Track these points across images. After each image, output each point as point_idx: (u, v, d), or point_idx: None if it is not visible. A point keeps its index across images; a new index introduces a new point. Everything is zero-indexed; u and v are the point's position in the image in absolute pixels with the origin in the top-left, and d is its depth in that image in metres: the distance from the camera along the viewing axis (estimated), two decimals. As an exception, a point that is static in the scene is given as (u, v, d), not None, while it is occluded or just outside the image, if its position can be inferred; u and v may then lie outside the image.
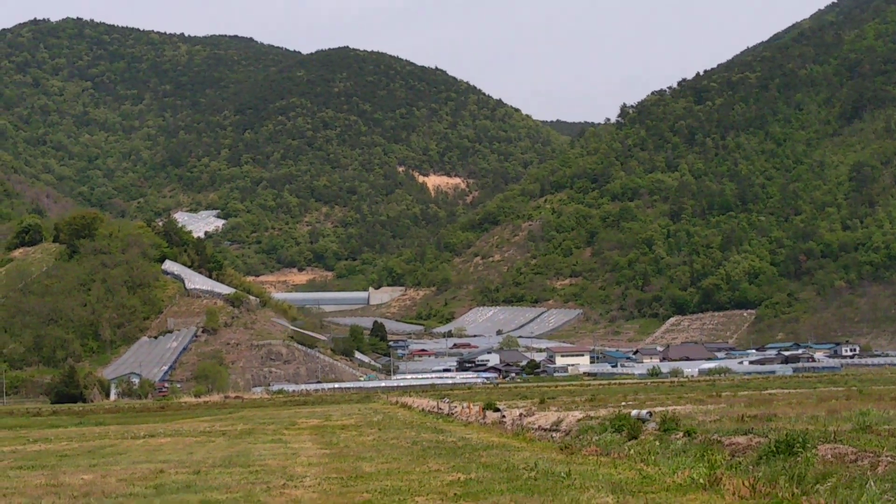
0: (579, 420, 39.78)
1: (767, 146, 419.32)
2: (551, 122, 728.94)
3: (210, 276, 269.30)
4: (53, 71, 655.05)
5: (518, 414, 49.47)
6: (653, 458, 27.45)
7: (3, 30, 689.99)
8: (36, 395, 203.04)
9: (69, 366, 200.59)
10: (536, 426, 43.45)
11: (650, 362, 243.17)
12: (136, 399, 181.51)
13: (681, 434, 30.36)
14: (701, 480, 22.36)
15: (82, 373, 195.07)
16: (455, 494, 23.02)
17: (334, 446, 42.65)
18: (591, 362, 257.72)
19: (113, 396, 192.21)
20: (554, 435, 39.36)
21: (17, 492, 27.90)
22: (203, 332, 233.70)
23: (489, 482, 25.01)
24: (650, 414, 35.76)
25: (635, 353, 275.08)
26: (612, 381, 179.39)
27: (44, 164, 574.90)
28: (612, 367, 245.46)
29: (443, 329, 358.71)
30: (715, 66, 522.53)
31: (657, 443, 29.90)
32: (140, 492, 26.76)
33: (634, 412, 36.50)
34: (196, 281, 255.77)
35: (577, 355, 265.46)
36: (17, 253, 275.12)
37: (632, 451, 29.57)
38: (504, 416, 51.27)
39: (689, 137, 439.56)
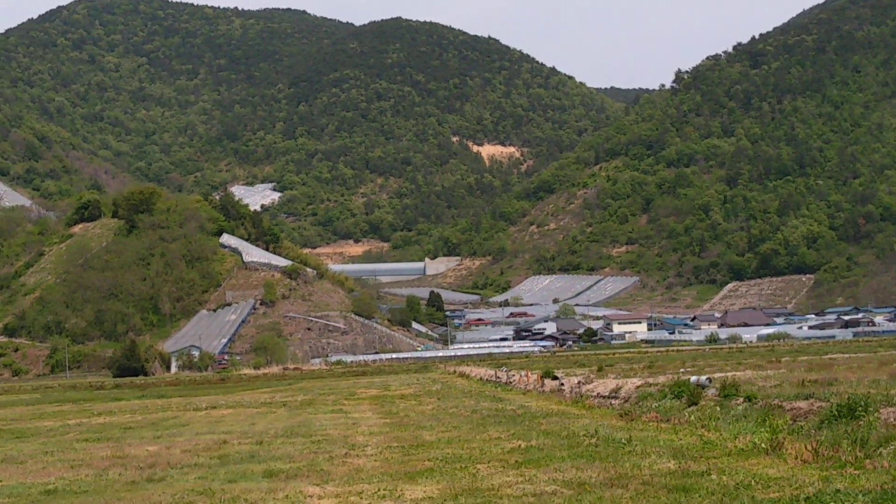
0: (638, 387, 39.69)
1: (825, 109, 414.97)
2: (605, 89, 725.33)
3: (267, 249, 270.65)
4: (109, 47, 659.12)
5: (576, 382, 49.40)
6: (713, 423, 27.37)
7: (59, 7, 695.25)
8: (98, 369, 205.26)
9: (130, 340, 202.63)
10: (595, 394, 43.40)
11: (708, 329, 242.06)
12: (197, 372, 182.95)
13: (741, 400, 30.24)
14: (763, 445, 22.29)
15: (143, 346, 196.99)
16: (516, 461, 23.10)
17: (394, 416, 42.84)
18: (649, 329, 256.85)
19: (173, 369, 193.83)
20: (613, 402, 39.31)
21: (85, 463, 28.29)
22: (261, 304, 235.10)
23: (550, 449, 25.07)
24: (709, 380, 35.60)
25: (693, 319, 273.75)
26: (670, 348, 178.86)
27: (101, 140, 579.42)
28: (670, 333, 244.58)
29: (499, 298, 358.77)
30: (771, 29, 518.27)
31: (717, 408, 29.81)
32: (205, 462, 27.05)
33: (693, 378, 36.35)
34: (253, 254, 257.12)
35: (634, 323, 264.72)
36: (76, 229, 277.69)
37: (692, 417, 29.48)
38: (562, 384, 51.23)
39: (745, 102, 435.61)
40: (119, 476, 24.78)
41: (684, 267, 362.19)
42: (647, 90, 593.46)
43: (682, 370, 58.34)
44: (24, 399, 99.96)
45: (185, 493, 20.66)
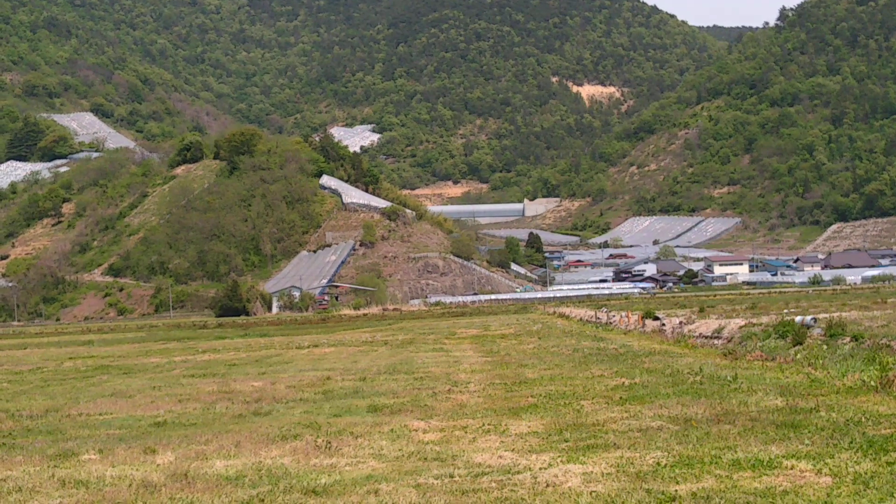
0: (741, 327, 39.31)
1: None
2: (708, 27, 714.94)
3: (366, 191, 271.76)
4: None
5: (678, 322, 49.10)
6: (820, 362, 27.03)
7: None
8: (200, 308, 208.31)
9: (232, 280, 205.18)
10: (697, 333, 43.10)
11: (811, 270, 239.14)
12: (298, 312, 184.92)
13: (847, 339, 29.84)
14: (872, 383, 21.98)
15: (245, 287, 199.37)
16: (620, 398, 23.03)
17: (495, 354, 42.94)
18: (750, 271, 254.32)
19: (275, 309, 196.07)
20: (716, 342, 39.01)
21: (192, 398, 28.75)
22: (360, 245, 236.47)
23: (654, 386, 24.95)
24: (815, 320, 35.15)
25: (796, 261, 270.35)
26: (772, 290, 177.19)
27: (203, 82, 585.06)
28: (772, 275, 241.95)
29: (598, 240, 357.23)
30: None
31: (824, 347, 29.44)
32: (309, 397, 27.35)
33: (798, 318, 35.91)
34: (353, 195, 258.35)
35: (735, 264, 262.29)
36: (179, 170, 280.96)
37: (798, 357, 29.15)
38: (663, 325, 50.94)
39: (852, 39, 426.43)
40: (226, 410, 25.15)
41: (787, 208, 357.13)
42: (750, 28, 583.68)
43: (785, 311, 57.74)
44: (129, 337, 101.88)
45: (291, 426, 20.90)
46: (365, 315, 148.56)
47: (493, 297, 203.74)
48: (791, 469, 14.14)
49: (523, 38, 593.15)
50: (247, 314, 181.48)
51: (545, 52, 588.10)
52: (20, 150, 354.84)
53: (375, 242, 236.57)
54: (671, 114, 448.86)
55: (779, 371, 26.64)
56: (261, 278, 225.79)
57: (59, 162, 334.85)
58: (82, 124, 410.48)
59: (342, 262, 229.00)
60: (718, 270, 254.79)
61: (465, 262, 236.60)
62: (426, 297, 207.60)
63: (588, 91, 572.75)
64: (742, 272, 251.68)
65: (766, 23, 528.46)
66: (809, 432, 16.96)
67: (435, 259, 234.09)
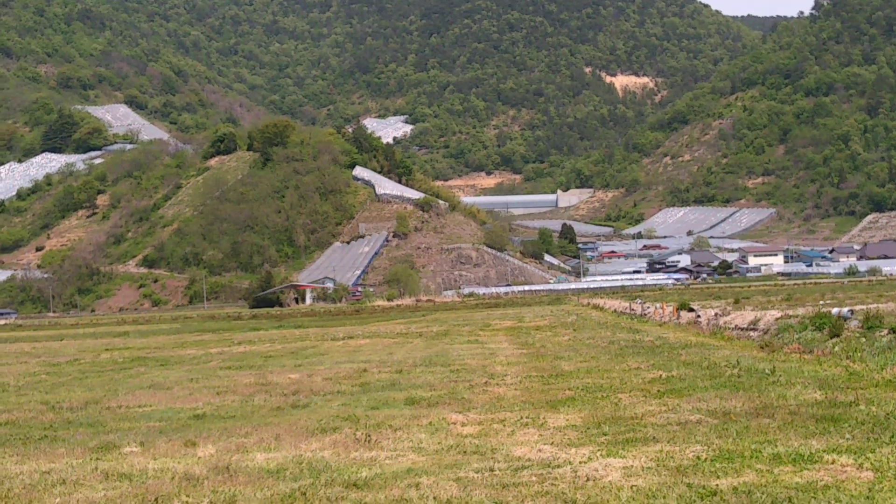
0: (777, 319, 39.12)
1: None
2: (742, 17, 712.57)
3: (399, 182, 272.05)
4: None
5: (713, 314, 48.94)
6: (858, 354, 26.91)
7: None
8: (234, 300, 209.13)
9: (266, 271, 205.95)
10: (733, 325, 42.94)
11: (847, 261, 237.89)
12: (331, 303, 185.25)
13: (886, 331, 29.65)
14: (911, 377, 21.90)
15: (278, 278, 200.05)
16: (658, 391, 23.00)
17: (531, 346, 42.93)
18: (785, 262, 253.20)
19: (308, 300, 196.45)
20: (752, 334, 38.86)
21: (230, 390, 28.89)
22: (394, 236, 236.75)
23: (692, 379, 24.90)
24: (851, 312, 34.97)
25: (831, 251, 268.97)
26: (807, 281, 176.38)
27: (236, 73, 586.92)
28: (807, 266, 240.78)
29: (632, 230, 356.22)
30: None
31: (862, 340, 29.30)
32: (346, 390, 27.43)
33: (835, 310, 35.75)
34: (386, 186, 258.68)
35: (770, 255, 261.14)
36: (213, 161, 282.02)
37: (835, 349, 29.03)
38: (699, 316, 50.79)
39: (888, 29, 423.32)
40: (264, 402, 25.26)
41: (822, 198, 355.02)
42: (784, 17, 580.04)
43: (821, 302, 57.47)
44: (164, 329, 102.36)
45: (330, 419, 20.99)
46: (398, 306, 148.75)
47: (526, 288, 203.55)
48: (832, 463, 14.12)
49: (556, 28, 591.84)
50: (280, 306, 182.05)
51: (578, 42, 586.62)
52: (55, 142, 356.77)
53: (408, 233, 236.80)
54: (705, 104, 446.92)
55: (817, 364, 26.55)
56: (294, 269, 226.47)
57: (93, 154, 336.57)
58: (116, 116, 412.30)
59: (375, 254, 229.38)
60: (753, 261, 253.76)
61: (499, 253, 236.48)
62: (459, 288, 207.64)
63: (621, 81, 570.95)
64: (777, 263, 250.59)
65: (801, 12, 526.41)
66: (850, 426, 16.91)
67: (468, 250, 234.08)
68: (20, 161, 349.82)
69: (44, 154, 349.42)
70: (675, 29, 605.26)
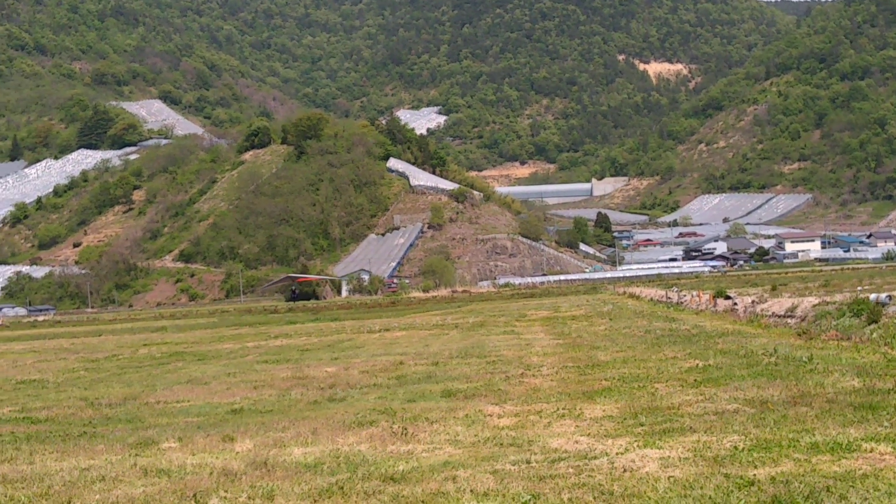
0: (815, 306, 38.88)
1: None
2: (776, 1, 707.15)
3: (433, 173, 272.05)
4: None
5: (750, 301, 48.72)
6: (897, 341, 26.78)
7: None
8: (271, 293, 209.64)
9: (301, 264, 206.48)
10: (770, 313, 42.73)
11: (884, 246, 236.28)
12: (367, 295, 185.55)
13: (924, 317, 29.52)
14: (950, 363, 21.77)
15: (314, 271, 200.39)
16: (695, 380, 22.93)
17: (566, 336, 42.87)
18: (822, 248, 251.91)
19: (344, 293, 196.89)
20: (789, 321, 38.66)
21: (267, 384, 28.99)
22: (429, 227, 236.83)
23: (728, 368, 24.82)
24: (890, 297, 34.72)
25: (869, 236, 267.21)
26: (845, 267, 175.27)
27: (269, 67, 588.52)
28: (845, 251, 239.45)
29: (668, 218, 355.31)
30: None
31: (901, 326, 29.11)
32: (383, 383, 27.48)
33: (873, 296, 35.49)
34: (420, 178, 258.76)
35: (807, 241, 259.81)
36: (247, 155, 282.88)
37: (873, 335, 28.84)
38: (735, 304, 50.58)
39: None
40: (301, 396, 25.35)
41: (859, 183, 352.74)
42: (819, 2, 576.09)
43: (859, 288, 57.14)
44: (201, 323, 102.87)
45: (367, 412, 21.04)
46: (434, 298, 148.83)
47: (561, 277, 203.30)
48: (870, 452, 14.05)
49: (589, 16, 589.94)
50: (316, 298, 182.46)
51: (611, 30, 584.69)
52: (90, 138, 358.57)
53: (443, 224, 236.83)
54: (740, 90, 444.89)
55: (854, 351, 26.42)
56: (330, 262, 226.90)
57: (128, 149, 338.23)
58: (151, 111, 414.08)
59: (410, 245, 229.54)
60: (790, 247, 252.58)
61: (534, 243, 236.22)
62: (495, 278, 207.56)
63: (655, 68, 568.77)
64: (814, 249, 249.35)
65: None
66: (888, 414, 16.82)
67: (503, 240, 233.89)
68: (56, 158, 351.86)
69: (79, 150, 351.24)
70: (708, 15, 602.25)
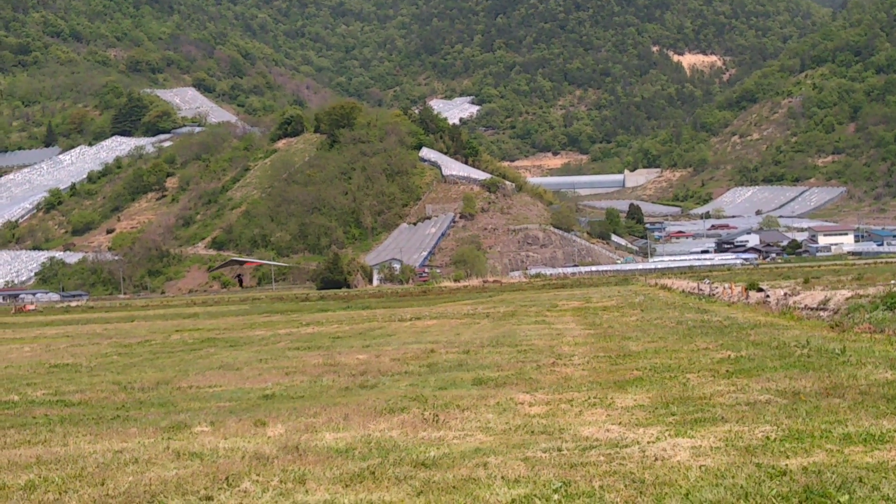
0: (848, 299, 38.71)
1: None
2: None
3: (466, 163, 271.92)
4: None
5: (782, 294, 48.53)
6: (930, 335, 26.68)
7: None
8: (302, 281, 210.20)
9: (333, 253, 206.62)
10: (803, 305, 42.56)
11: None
12: (398, 284, 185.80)
13: (959, 311, 29.36)
14: (984, 356, 21.64)
15: (345, 259, 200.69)
16: (727, 371, 22.87)
17: (598, 327, 42.84)
18: (856, 241, 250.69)
19: (375, 282, 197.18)
20: (822, 314, 38.51)
21: (298, 370, 29.10)
22: (460, 217, 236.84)
23: (761, 359, 24.74)
24: (924, 291, 34.55)
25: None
26: (878, 260, 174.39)
27: (303, 55, 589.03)
28: (878, 245, 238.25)
29: (700, 210, 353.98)
30: None
31: (934, 320, 28.99)
32: (414, 370, 27.53)
33: (907, 289, 35.37)
34: (452, 167, 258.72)
35: (840, 234, 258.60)
36: (280, 144, 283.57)
37: (906, 329, 28.74)
38: (768, 296, 50.39)
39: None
40: (332, 382, 25.43)
41: (893, 176, 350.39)
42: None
43: (892, 282, 56.84)
44: (233, 310, 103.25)
45: (398, 399, 21.07)
46: (465, 287, 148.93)
47: (593, 268, 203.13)
48: (903, 444, 13.99)
49: (623, 7, 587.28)
50: (348, 287, 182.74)
51: (645, 21, 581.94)
52: (125, 125, 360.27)
53: (475, 214, 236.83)
54: (774, 82, 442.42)
55: (887, 344, 26.30)
56: (361, 251, 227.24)
57: (162, 136, 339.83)
58: (185, 99, 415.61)
59: (442, 235, 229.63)
60: (823, 241, 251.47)
61: (565, 234, 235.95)
62: (526, 268, 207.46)
63: (689, 60, 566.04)
64: (847, 242, 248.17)
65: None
66: (922, 406, 16.75)
67: (535, 231, 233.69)
68: (90, 144, 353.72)
69: (114, 137, 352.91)
70: (743, 6, 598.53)
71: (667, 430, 15.99)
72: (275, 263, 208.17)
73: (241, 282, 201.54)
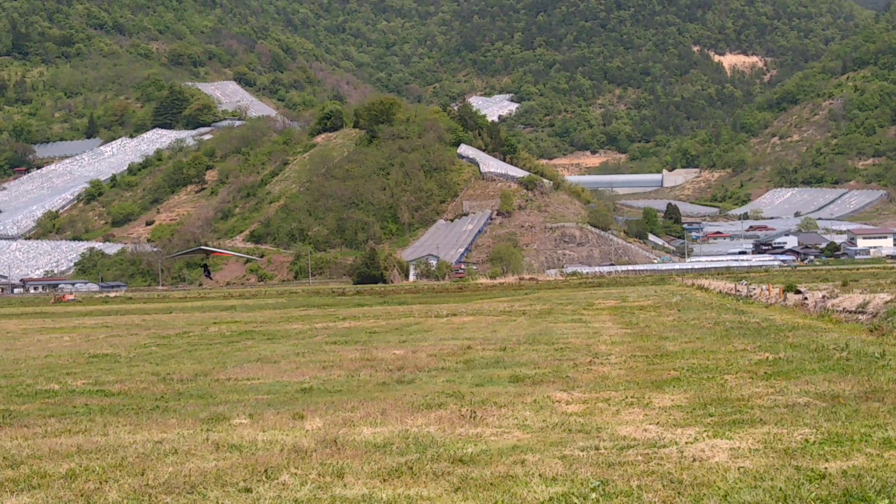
0: (887, 302, 38.49)
1: None
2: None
3: (504, 160, 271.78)
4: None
5: (820, 296, 48.28)
6: (971, 340, 26.50)
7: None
8: (339, 275, 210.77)
9: (370, 248, 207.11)
10: (841, 308, 42.35)
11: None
12: (434, 280, 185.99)
13: None
14: None
15: (382, 254, 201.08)
16: (765, 373, 22.79)
17: (635, 326, 42.75)
18: (895, 245, 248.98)
19: (412, 277, 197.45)
20: (860, 317, 38.31)
21: (336, 364, 29.17)
22: (497, 214, 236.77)
23: (799, 362, 24.63)
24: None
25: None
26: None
27: (343, 51, 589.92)
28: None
29: (738, 211, 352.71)
30: None
31: (975, 325, 28.80)
32: (451, 366, 27.55)
33: (948, 294, 35.15)
34: (490, 164, 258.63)
35: (879, 237, 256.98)
36: (319, 139, 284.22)
37: (947, 334, 28.59)
38: (806, 299, 50.14)
39: None
40: (370, 377, 25.48)
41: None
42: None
43: (933, 286, 56.47)
44: (270, 303, 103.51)
45: (435, 395, 21.11)
46: (501, 284, 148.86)
47: (630, 267, 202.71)
48: (943, 449, 13.92)
49: (664, 6, 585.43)
50: (384, 282, 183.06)
51: (686, 20, 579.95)
52: (166, 118, 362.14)
53: (512, 212, 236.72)
54: (815, 84, 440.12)
55: (928, 348, 26.14)
56: (398, 246, 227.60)
57: (202, 130, 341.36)
58: (225, 93, 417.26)
59: (479, 232, 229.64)
60: (862, 244, 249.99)
61: (603, 233, 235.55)
62: (563, 266, 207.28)
63: (730, 60, 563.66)
64: (886, 245, 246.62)
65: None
66: (962, 412, 16.65)
67: (572, 229, 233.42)
68: (132, 136, 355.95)
69: (154, 130, 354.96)
70: (785, 7, 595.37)
71: (705, 430, 15.96)
72: (241, 255, 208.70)
73: (207, 272, 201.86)
